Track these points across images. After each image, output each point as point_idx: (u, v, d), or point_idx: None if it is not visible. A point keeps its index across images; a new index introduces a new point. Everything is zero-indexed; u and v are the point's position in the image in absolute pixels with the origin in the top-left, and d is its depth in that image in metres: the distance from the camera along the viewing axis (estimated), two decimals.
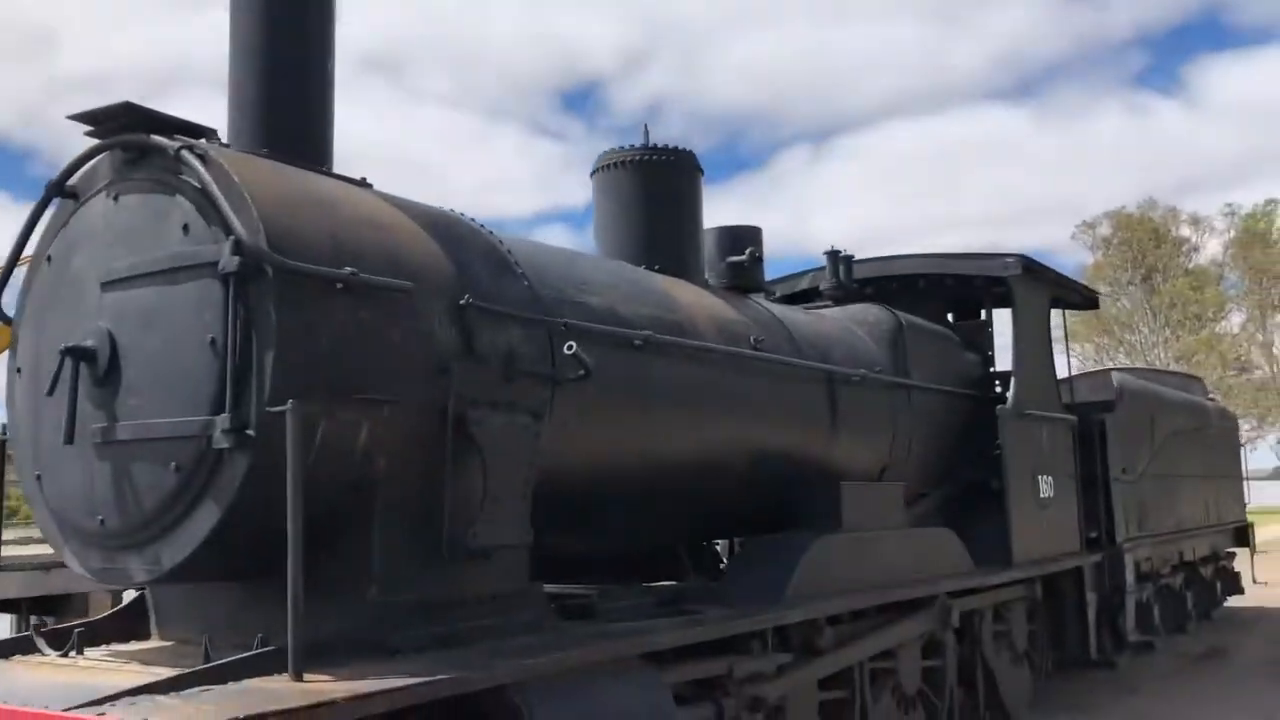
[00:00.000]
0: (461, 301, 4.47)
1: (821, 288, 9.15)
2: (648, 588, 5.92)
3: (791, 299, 9.17)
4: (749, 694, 5.33)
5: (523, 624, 4.57)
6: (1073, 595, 9.79)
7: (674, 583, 5.97)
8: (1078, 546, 9.81)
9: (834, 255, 9.15)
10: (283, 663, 3.57)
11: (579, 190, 77.74)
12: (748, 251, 7.52)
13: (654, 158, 6.83)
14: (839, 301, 8.82)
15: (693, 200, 6.98)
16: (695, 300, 6.31)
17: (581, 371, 4.83)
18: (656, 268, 6.60)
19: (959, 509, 8.75)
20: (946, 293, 9.91)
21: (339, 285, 3.96)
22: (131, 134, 4.16)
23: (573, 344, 4.75)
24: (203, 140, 4.20)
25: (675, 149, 6.92)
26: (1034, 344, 9.44)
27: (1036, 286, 9.60)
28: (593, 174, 6.90)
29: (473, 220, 5.13)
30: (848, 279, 9.16)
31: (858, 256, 9.34)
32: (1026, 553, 8.66)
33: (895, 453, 7.89)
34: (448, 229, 4.78)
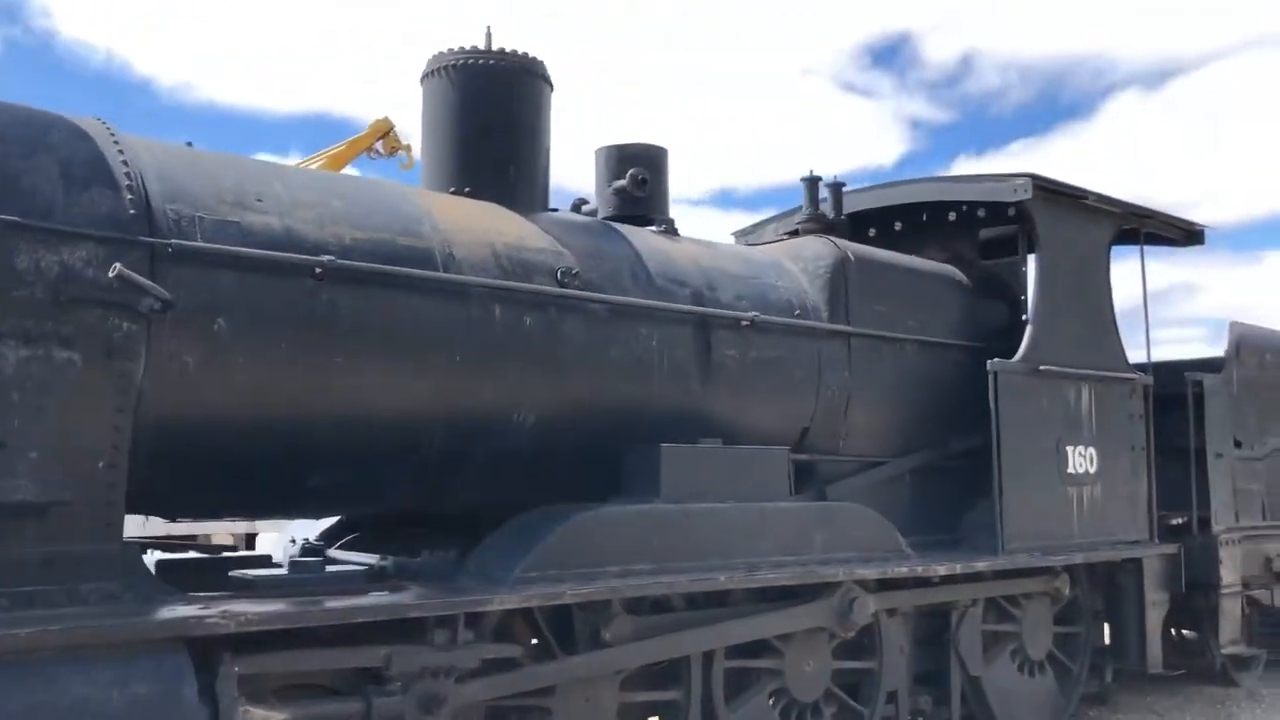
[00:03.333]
0: None
1: (798, 223, 7.78)
2: (404, 561, 5.05)
3: None
4: (425, 690, 4.40)
5: (69, 591, 3.89)
6: (1133, 594, 7.96)
7: (434, 554, 5.07)
8: (1144, 534, 7.95)
9: (812, 182, 7.77)
10: None
11: (891, 147, 75.28)
12: (629, 175, 6.41)
13: (485, 62, 5.87)
14: None
15: (531, 115, 5.96)
16: (477, 226, 5.34)
17: (157, 304, 4.07)
18: (466, 190, 5.70)
19: (952, 482, 7.25)
20: (969, 227, 8.24)
21: None
22: None
23: (117, 265, 3.98)
24: None
25: (516, 53, 5.93)
26: (1070, 285, 7.66)
27: (1072, 215, 7.76)
28: (421, 79, 6.00)
29: (108, 127, 4.43)
30: (836, 212, 7.77)
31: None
32: (1034, 537, 7.05)
33: (823, 413, 6.56)
34: (16, 135, 4.12)
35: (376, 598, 4.36)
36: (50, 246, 3.96)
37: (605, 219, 6.48)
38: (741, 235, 8.79)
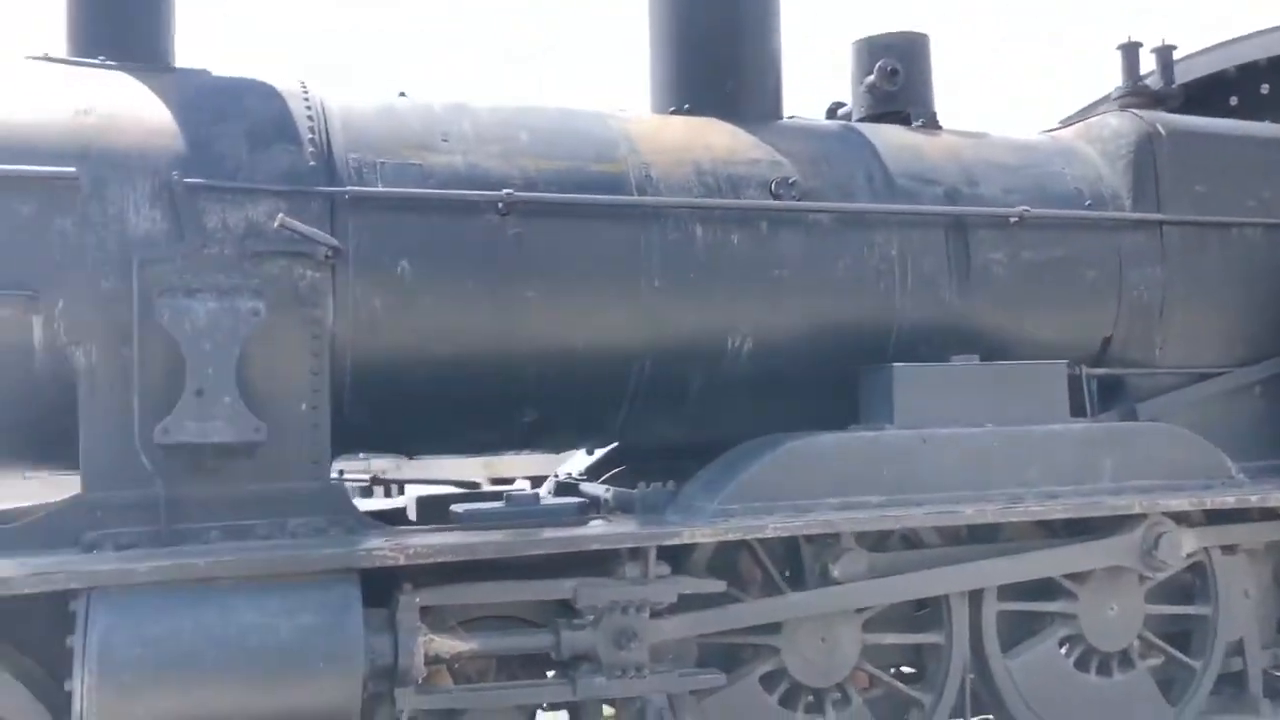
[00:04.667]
0: (169, 181, 4.14)
1: (1115, 100, 6.66)
2: (624, 493, 4.96)
3: None
4: (617, 624, 4.29)
5: (279, 525, 4.19)
6: None
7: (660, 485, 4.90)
8: None
9: (1130, 49, 6.61)
10: None
11: None
12: (877, 68, 5.81)
13: None
14: None
15: (756, 17, 5.54)
16: (681, 145, 5.04)
17: (326, 250, 4.22)
18: (686, 108, 5.43)
19: None
20: None
21: None
22: None
23: (281, 216, 4.15)
24: None
25: None
26: None
27: None
28: None
29: (303, 86, 4.66)
30: (1165, 82, 6.59)
31: None
32: None
33: (1129, 318, 5.61)
34: (211, 104, 4.43)
35: (554, 531, 4.30)
36: (236, 204, 4.24)
37: (859, 119, 5.94)
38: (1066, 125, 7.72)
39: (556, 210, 4.66)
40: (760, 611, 4.62)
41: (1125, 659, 5.29)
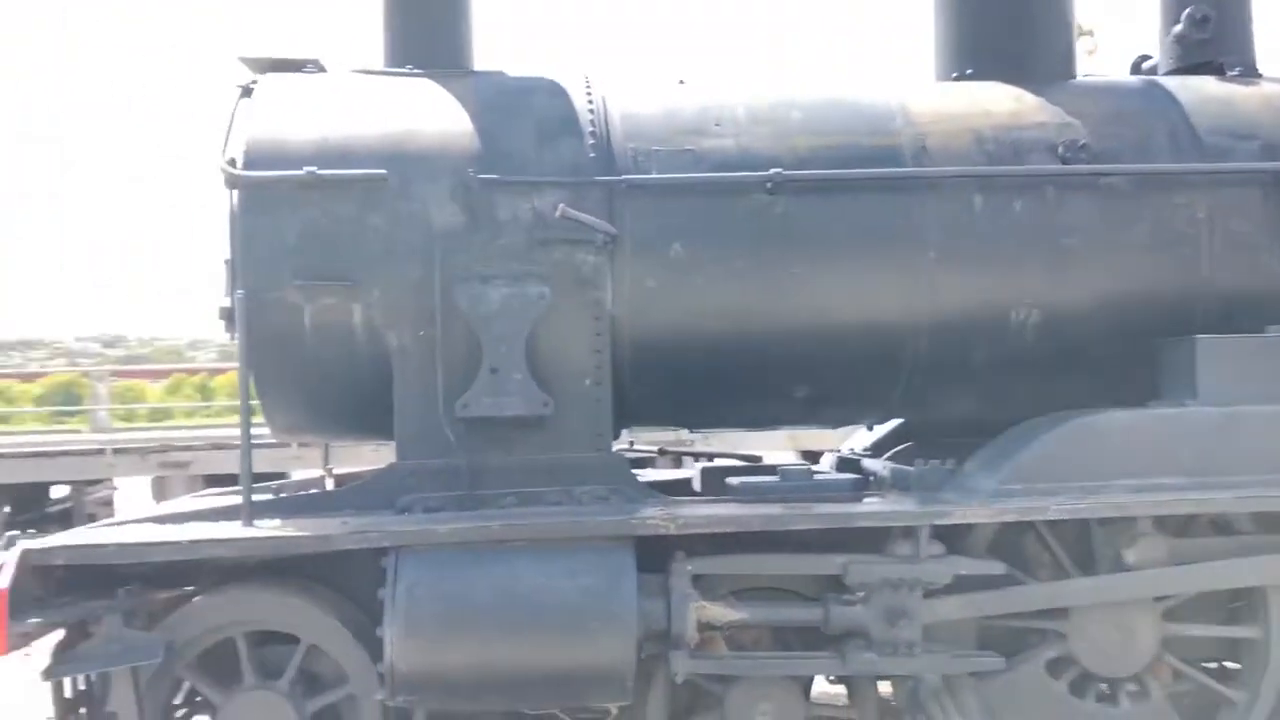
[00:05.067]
0: (466, 178, 4.53)
1: None
2: (901, 470, 4.92)
3: None
4: (888, 602, 4.27)
5: (566, 492, 4.51)
6: None
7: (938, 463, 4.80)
8: None
9: None
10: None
11: None
12: (1184, 16, 5.36)
13: None
14: None
15: None
16: (961, 113, 4.89)
17: (604, 236, 4.46)
18: (969, 74, 5.27)
19: None
20: None
21: (306, 184, 4.47)
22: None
23: (561, 206, 4.41)
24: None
25: None
26: None
27: None
28: None
29: (586, 81, 4.93)
30: None
31: None
32: None
33: None
34: (503, 104, 4.78)
35: (824, 507, 4.34)
36: (524, 196, 4.57)
37: (1167, 73, 5.52)
38: None
39: (824, 186, 4.67)
40: (1043, 596, 4.46)
41: None
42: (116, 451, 10.32)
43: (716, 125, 4.81)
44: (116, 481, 10.79)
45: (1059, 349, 4.84)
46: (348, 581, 4.37)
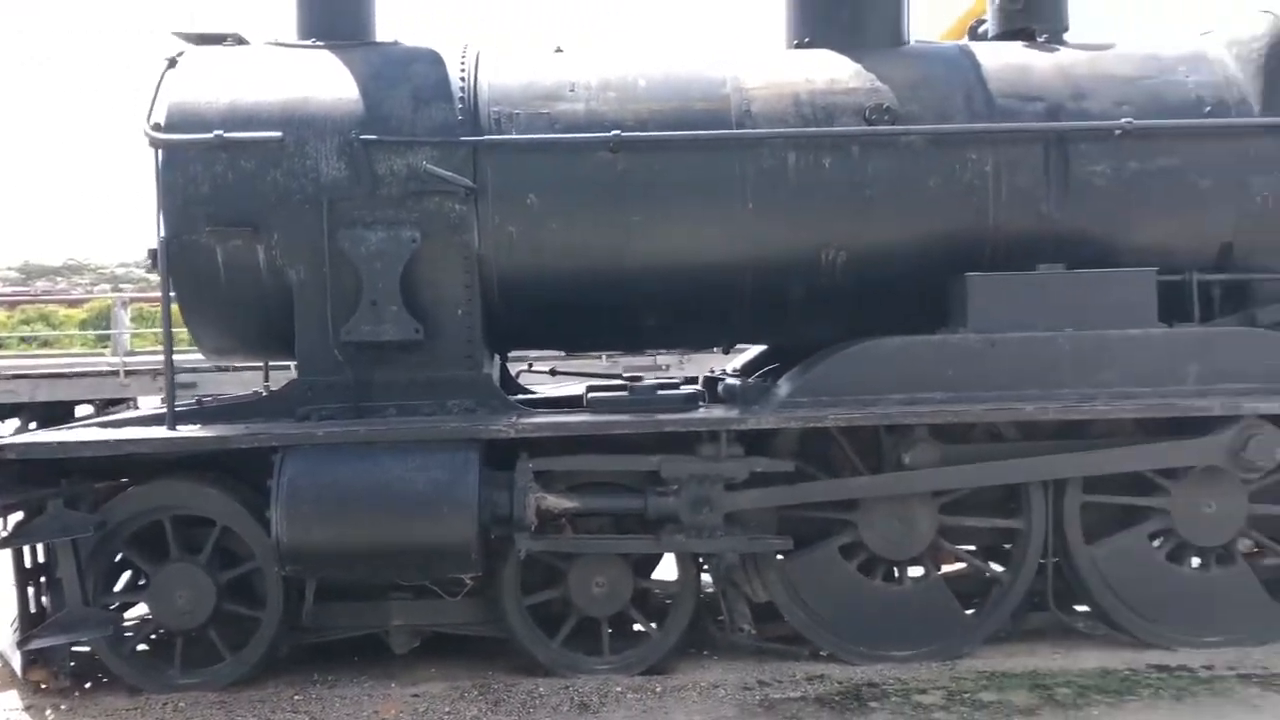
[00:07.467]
0: (350, 139, 5.36)
1: None
2: (733, 385, 5.75)
3: None
4: (695, 493, 5.17)
5: (440, 405, 5.40)
6: None
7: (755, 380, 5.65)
8: None
9: None
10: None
11: None
12: None
13: None
14: None
15: None
16: (784, 79, 5.64)
17: (464, 189, 5.30)
18: (806, 41, 6.01)
19: None
20: None
21: (215, 145, 5.31)
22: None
23: (424, 164, 5.24)
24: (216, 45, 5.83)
25: None
26: None
27: None
28: None
29: (463, 52, 5.72)
30: None
31: None
32: None
33: (1253, 224, 5.64)
34: (388, 72, 5.57)
35: (639, 417, 5.21)
36: (400, 154, 5.40)
37: (993, 38, 6.24)
38: None
39: (658, 146, 5.46)
40: (825, 489, 5.33)
41: (1225, 555, 5.51)
42: (129, 373, 11.28)
43: (571, 91, 5.60)
44: (140, 401, 11.72)
45: (865, 285, 5.65)
46: (252, 475, 5.30)
